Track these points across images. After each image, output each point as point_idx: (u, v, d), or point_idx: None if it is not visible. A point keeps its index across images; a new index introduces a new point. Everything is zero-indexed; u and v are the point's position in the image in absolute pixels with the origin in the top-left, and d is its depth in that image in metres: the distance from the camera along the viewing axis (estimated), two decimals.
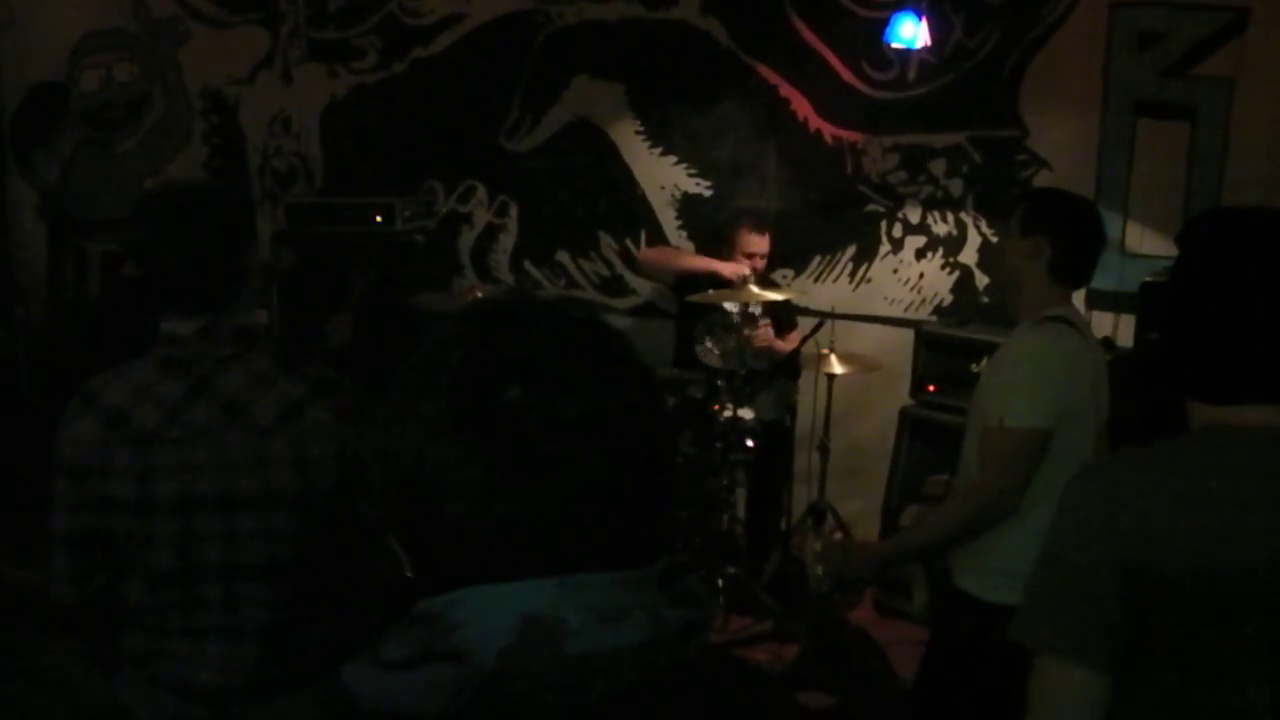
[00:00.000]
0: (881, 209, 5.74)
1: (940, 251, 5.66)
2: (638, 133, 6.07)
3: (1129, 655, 1.63)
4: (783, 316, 5.50)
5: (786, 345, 5.32)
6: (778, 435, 5.31)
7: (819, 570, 3.11)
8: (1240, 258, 1.67)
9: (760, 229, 5.40)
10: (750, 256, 5.35)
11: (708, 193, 6.02)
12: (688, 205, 6.05)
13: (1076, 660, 1.63)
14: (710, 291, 5.19)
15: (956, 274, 5.64)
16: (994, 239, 5.50)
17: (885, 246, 5.76)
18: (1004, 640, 2.89)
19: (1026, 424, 2.80)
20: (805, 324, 5.32)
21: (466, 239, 6.38)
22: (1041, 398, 2.81)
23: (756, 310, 5.35)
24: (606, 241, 6.20)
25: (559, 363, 0.98)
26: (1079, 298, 5.11)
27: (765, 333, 5.37)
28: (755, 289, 5.02)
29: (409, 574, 1.02)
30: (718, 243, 5.54)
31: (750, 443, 4.93)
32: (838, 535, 5.19)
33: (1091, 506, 1.65)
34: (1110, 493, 1.64)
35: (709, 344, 5.28)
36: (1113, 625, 1.61)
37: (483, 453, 0.94)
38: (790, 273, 5.87)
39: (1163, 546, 1.58)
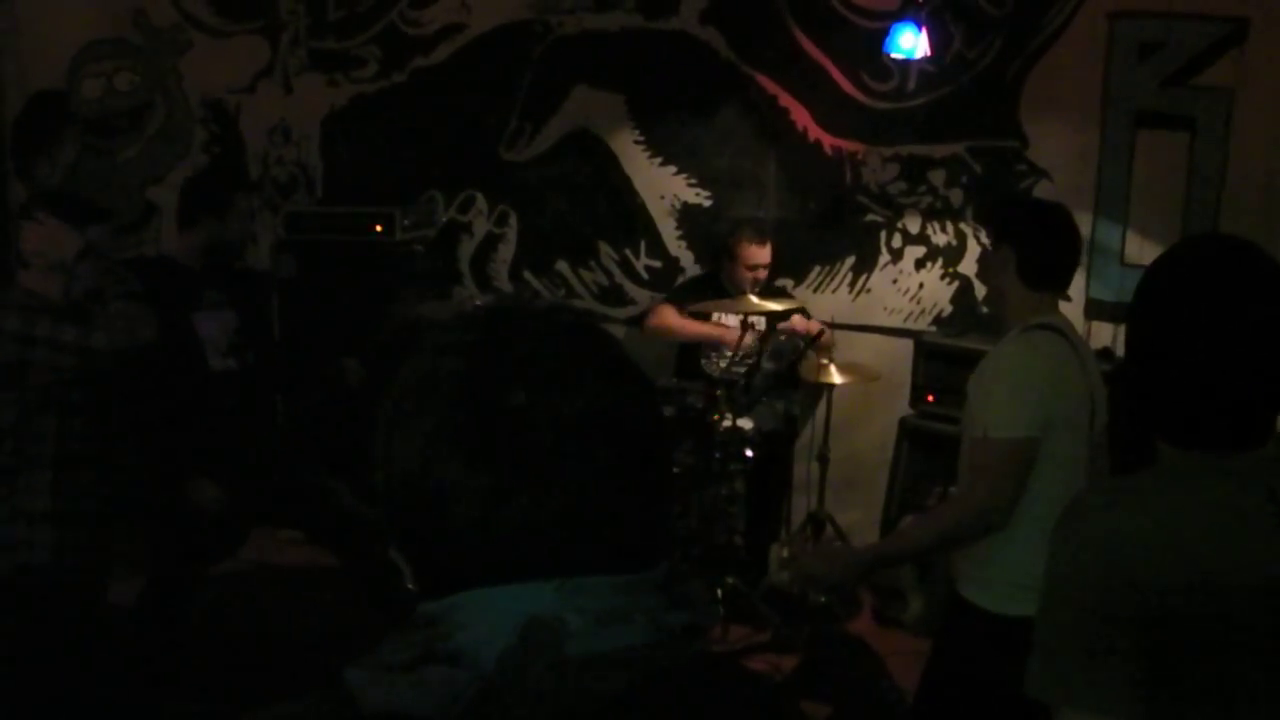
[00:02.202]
0: (881, 219, 5.74)
1: (940, 262, 5.66)
2: (637, 142, 6.07)
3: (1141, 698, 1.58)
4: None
5: (813, 326, 5.31)
6: (777, 445, 5.30)
7: (784, 576, 3.10)
8: (1216, 314, 1.64)
9: (761, 240, 5.43)
10: (753, 269, 5.37)
11: (707, 203, 6.02)
12: (687, 215, 6.06)
13: (1103, 713, 1.57)
14: (711, 303, 5.21)
15: (956, 284, 5.64)
16: None
17: (885, 256, 5.76)
18: (1007, 649, 2.88)
19: (1010, 435, 2.79)
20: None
21: (466, 248, 6.38)
22: (1024, 408, 2.80)
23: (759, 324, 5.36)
24: (606, 251, 6.20)
25: (557, 366, 0.97)
26: (1078, 309, 5.14)
27: (795, 321, 5.38)
28: (755, 299, 5.03)
29: (411, 586, 1.02)
30: (719, 256, 5.55)
31: (749, 453, 4.93)
32: (819, 542, 5.19)
33: (1085, 553, 1.61)
34: (1102, 536, 1.60)
35: (714, 357, 5.29)
36: (1132, 669, 1.56)
37: (489, 459, 0.94)
38: (790, 282, 5.86)
39: (1170, 579, 1.55)
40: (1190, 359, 1.64)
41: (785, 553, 3.16)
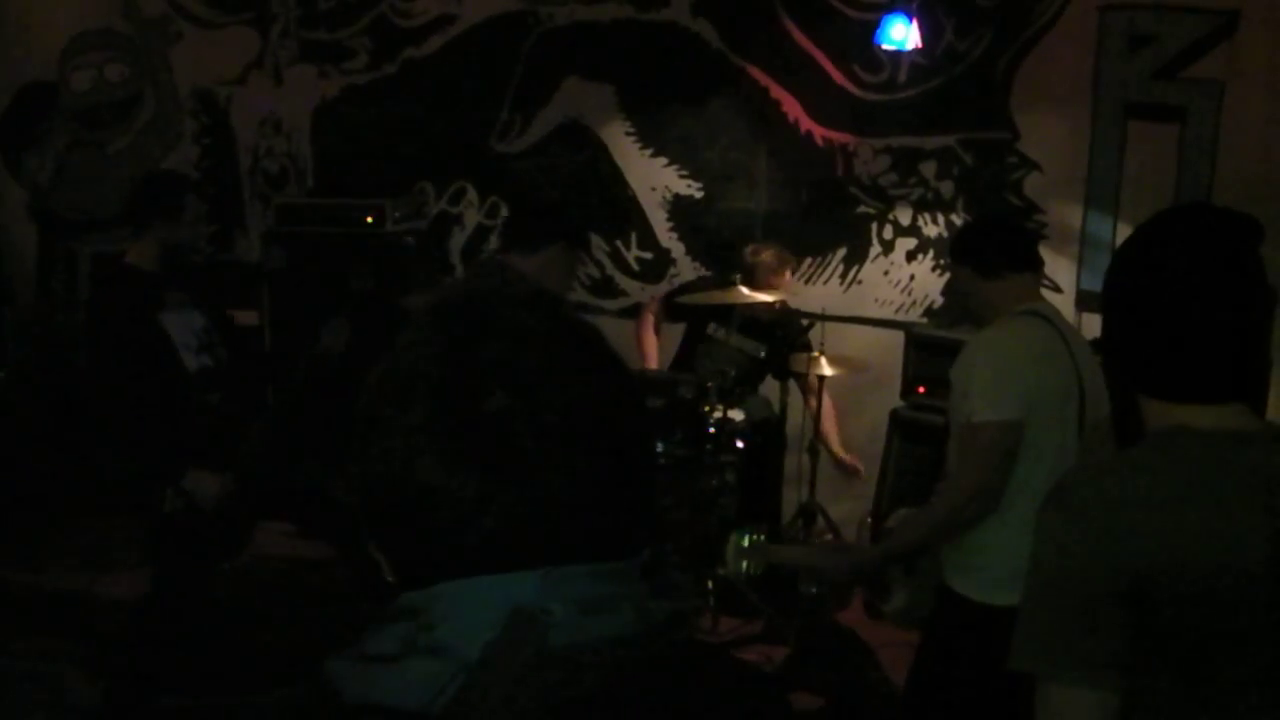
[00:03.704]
0: (872, 211, 5.74)
1: (931, 253, 5.66)
2: (628, 134, 6.07)
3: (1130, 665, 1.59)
4: (788, 336, 5.40)
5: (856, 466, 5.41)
6: (768, 436, 5.28)
7: (742, 565, 3.11)
8: (1183, 256, 1.67)
9: (780, 268, 5.25)
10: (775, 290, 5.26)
11: (698, 194, 6.02)
12: (678, 207, 6.05)
13: (1087, 684, 1.58)
14: (701, 295, 5.20)
15: (947, 276, 5.63)
16: None
17: (876, 248, 5.76)
18: (994, 639, 2.88)
19: (994, 417, 2.80)
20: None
21: (457, 240, 6.37)
22: (1005, 390, 2.81)
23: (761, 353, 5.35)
24: (597, 243, 6.19)
25: (539, 365, 0.97)
26: (1069, 300, 5.15)
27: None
28: (746, 290, 5.02)
29: (389, 578, 1.01)
30: (741, 270, 5.31)
31: (740, 444, 4.93)
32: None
33: (1073, 526, 1.61)
34: (1091, 509, 1.61)
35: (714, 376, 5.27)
36: (1117, 642, 1.57)
37: (471, 461, 0.93)
38: None
39: (1156, 554, 1.56)
40: (1164, 306, 1.65)
41: (745, 542, 3.14)
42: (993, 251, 3.02)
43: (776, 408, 5.42)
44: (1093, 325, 5.07)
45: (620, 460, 0.99)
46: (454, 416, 0.95)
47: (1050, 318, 2.97)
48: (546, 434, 0.94)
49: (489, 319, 1.01)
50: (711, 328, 5.39)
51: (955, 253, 3.18)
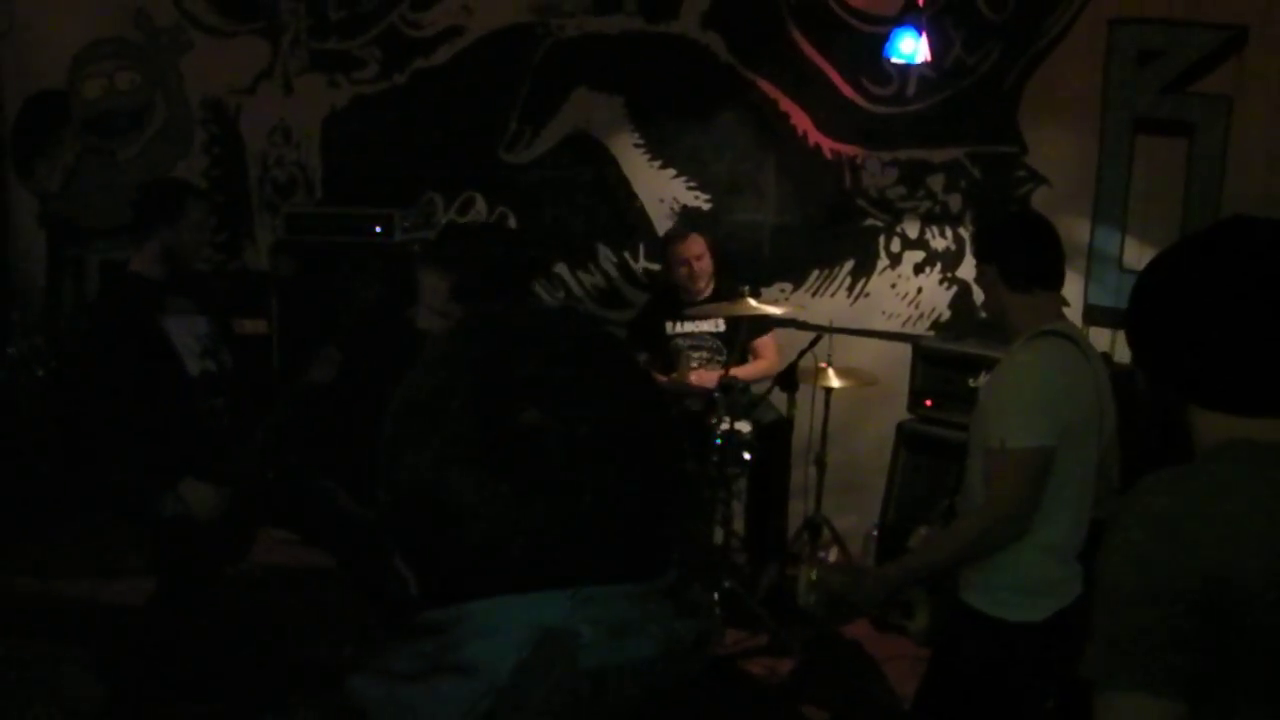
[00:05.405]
0: (880, 224, 5.75)
1: (938, 266, 5.67)
2: (637, 145, 6.08)
3: (1199, 686, 1.53)
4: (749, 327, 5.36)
5: (703, 379, 5.37)
6: (776, 440, 5.25)
7: (812, 599, 3.11)
8: (1250, 266, 1.64)
9: (682, 234, 5.54)
10: (686, 264, 5.38)
11: (706, 206, 6.03)
12: (686, 218, 6.05)
13: (1151, 692, 1.51)
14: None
15: (954, 289, 5.64)
16: None
17: (883, 261, 5.77)
18: (1006, 654, 2.88)
19: (1028, 444, 2.79)
20: (792, 335, 5.32)
21: None
22: (1040, 416, 2.80)
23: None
24: (605, 254, 6.20)
25: (572, 382, 0.97)
26: (1076, 314, 5.14)
27: (696, 374, 5.45)
28: (754, 302, 5.01)
29: (413, 591, 1.01)
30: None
31: (747, 456, 4.92)
32: (835, 557, 5.19)
33: (1147, 534, 1.57)
34: (1166, 517, 1.57)
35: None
36: (1185, 653, 1.51)
37: (504, 478, 0.93)
38: (788, 286, 5.87)
39: (1229, 565, 1.51)
40: (1234, 317, 1.63)
41: (814, 575, 3.16)
42: (1025, 265, 2.98)
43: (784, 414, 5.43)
44: (1100, 339, 5.08)
45: (650, 478, 0.99)
46: (487, 432, 0.94)
47: (1075, 338, 2.96)
48: (578, 451, 0.94)
49: (521, 334, 1.01)
50: (666, 326, 5.57)
51: (984, 248, 3.13)
